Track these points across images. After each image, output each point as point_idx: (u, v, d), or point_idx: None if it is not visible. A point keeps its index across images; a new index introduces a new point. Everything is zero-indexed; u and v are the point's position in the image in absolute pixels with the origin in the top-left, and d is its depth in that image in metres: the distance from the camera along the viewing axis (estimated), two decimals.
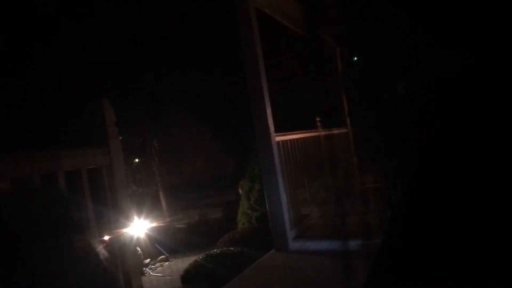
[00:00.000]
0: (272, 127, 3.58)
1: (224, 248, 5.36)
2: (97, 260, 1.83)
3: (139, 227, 7.47)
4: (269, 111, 3.56)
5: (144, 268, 7.17)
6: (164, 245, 7.85)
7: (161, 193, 9.99)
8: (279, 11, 4.27)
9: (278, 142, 3.72)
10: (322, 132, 5.02)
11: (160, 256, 7.74)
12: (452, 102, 1.93)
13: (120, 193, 2.23)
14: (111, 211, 2.17)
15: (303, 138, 4.48)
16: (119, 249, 2.14)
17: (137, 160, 9.44)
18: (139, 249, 7.17)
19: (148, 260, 7.59)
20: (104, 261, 1.93)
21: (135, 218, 7.29)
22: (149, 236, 7.80)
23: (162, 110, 10.35)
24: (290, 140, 4.09)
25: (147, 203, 8.60)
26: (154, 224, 8.04)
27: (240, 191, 7.58)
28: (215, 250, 5.23)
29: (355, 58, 5.81)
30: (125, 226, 2.18)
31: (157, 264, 7.53)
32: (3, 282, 1.30)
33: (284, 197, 3.60)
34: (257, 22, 3.57)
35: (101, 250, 1.99)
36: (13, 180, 1.68)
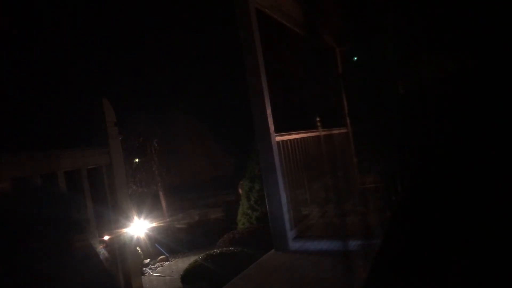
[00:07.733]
0: (272, 127, 3.58)
1: (224, 248, 5.35)
2: (97, 260, 1.83)
3: (139, 227, 7.47)
4: (269, 111, 3.56)
5: (144, 268, 7.16)
6: (164, 245, 7.85)
7: (161, 193, 9.98)
8: (279, 11, 4.26)
9: (278, 142, 3.72)
10: (322, 132, 5.02)
11: (160, 256, 7.74)
12: (452, 102, 1.93)
13: (120, 193, 2.23)
14: (111, 211, 2.17)
15: (303, 138, 4.48)
16: (119, 249, 2.14)
17: (137, 160, 9.44)
18: (139, 249, 7.17)
19: (148, 260, 7.59)
20: (104, 261, 1.93)
21: (135, 218, 7.28)
22: (149, 236, 7.80)
23: (162, 110, 10.35)
24: (290, 140, 4.09)
25: (147, 203, 8.59)
26: (154, 224, 8.03)
27: (240, 191, 7.58)
28: (215, 250, 5.22)
29: (355, 58, 5.81)
30: (125, 226, 2.18)
31: (157, 264, 7.53)
32: (3, 282, 1.30)
33: (284, 197, 3.60)
34: (257, 22, 3.57)
35: (101, 250, 1.99)
36: (13, 180, 1.68)
